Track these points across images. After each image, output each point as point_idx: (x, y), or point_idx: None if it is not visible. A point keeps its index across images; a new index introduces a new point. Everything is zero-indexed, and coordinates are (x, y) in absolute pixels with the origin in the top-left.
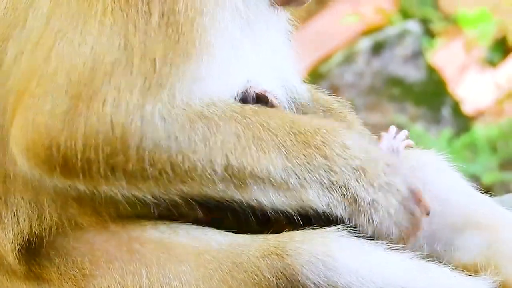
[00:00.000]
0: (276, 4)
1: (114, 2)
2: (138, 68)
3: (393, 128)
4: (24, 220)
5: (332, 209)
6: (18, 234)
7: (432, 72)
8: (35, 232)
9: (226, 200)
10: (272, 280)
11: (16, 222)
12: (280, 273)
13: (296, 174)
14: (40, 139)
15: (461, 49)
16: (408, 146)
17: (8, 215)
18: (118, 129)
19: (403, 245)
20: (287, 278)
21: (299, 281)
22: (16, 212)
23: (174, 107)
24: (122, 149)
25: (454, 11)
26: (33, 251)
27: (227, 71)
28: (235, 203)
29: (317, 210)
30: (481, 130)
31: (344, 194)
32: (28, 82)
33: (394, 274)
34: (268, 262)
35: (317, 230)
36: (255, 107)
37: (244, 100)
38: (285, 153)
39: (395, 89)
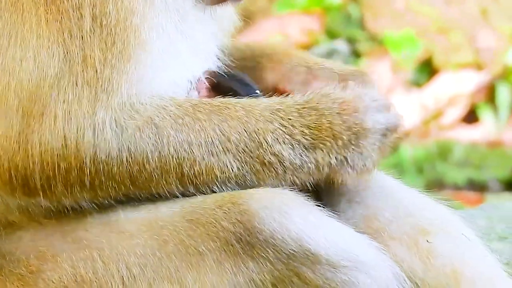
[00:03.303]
0: (207, 4)
1: (46, 12)
2: (82, 77)
3: None
4: None
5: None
6: None
7: None
8: None
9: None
10: (230, 228)
11: None
12: (237, 220)
13: (252, 172)
14: (0, 162)
15: (387, 69)
16: None
17: None
18: (71, 143)
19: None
20: (243, 225)
21: (255, 227)
22: None
23: (125, 114)
24: (77, 164)
25: (380, 32)
26: None
27: (169, 66)
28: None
29: None
30: (407, 151)
31: (309, 171)
32: None
33: (346, 238)
34: (225, 210)
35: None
36: (209, 105)
37: (218, 84)
38: (239, 155)
39: None
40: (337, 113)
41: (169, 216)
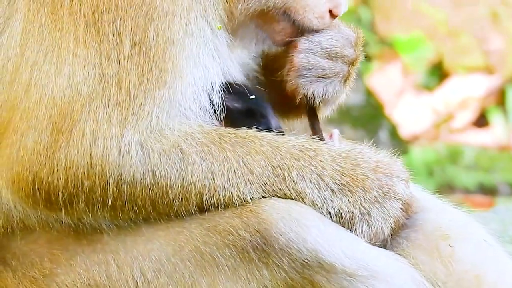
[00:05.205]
0: (274, 44)
1: (86, 33)
2: (115, 99)
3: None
4: None
5: None
6: None
7: (369, 95)
8: None
9: None
10: (247, 237)
11: None
12: (254, 229)
13: None
14: (24, 175)
15: (397, 72)
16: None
17: None
18: (97, 162)
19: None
20: (260, 233)
21: (272, 236)
22: None
23: (152, 138)
24: (100, 183)
25: (390, 34)
26: None
27: (202, 93)
28: None
29: None
30: (417, 154)
31: (328, 214)
32: (10, 114)
33: (363, 249)
34: (243, 219)
35: None
36: (234, 135)
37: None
38: (260, 188)
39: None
40: (373, 169)
41: (187, 222)
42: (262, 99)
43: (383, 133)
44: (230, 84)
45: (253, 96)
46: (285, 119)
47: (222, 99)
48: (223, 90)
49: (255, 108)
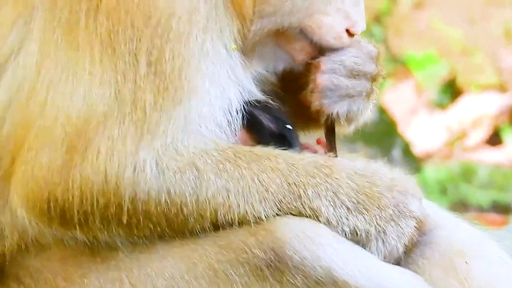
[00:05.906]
0: (295, 61)
1: (102, 53)
2: (130, 117)
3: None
4: None
5: None
6: None
7: (382, 113)
8: None
9: None
10: (260, 255)
11: None
12: (268, 247)
13: None
14: (39, 192)
15: (410, 90)
16: None
17: None
18: (112, 180)
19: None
20: (275, 252)
21: (286, 253)
22: None
23: (167, 155)
24: (115, 201)
25: (403, 52)
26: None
27: (217, 111)
28: None
29: None
30: (431, 172)
31: (343, 232)
32: (25, 132)
33: (377, 267)
34: (258, 237)
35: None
36: (250, 153)
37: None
38: (275, 206)
39: None
40: (388, 187)
41: (202, 239)
42: (296, 134)
43: (396, 151)
44: (269, 105)
45: (289, 126)
46: (305, 132)
47: (259, 115)
48: (262, 108)
49: (287, 137)
